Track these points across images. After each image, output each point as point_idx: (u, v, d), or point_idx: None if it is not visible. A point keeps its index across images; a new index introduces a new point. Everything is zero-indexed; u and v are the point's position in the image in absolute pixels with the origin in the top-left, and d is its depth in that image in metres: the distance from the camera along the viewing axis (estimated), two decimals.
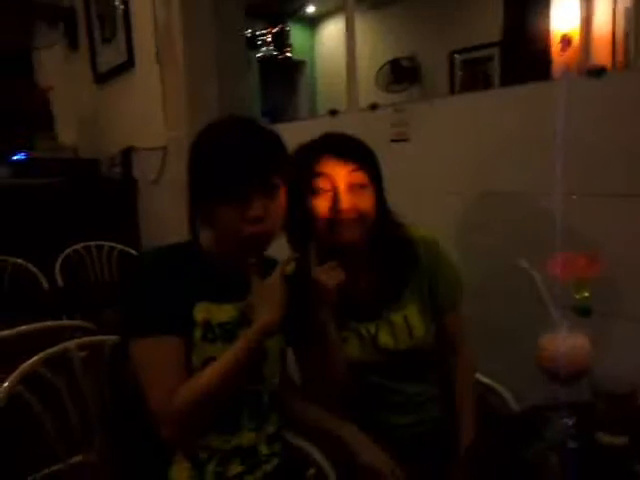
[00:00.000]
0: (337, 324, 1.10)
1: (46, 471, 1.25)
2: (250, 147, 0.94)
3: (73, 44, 3.69)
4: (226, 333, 0.98)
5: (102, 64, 3.40)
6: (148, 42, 2.73)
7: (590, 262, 0.88)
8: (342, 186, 1.07)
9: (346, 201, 1.06)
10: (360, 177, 1.08)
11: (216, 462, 0.98)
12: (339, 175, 1.07)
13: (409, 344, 1.14)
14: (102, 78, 3.43)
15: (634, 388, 0.89)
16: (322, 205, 1.07)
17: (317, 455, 1.10)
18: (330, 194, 1.07)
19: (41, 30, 3.78)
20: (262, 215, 0.93)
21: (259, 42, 3.90)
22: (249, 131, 0.97)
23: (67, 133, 3.67)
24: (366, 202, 1.09)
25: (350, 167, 1.07)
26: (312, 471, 1.13)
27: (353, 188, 1.08)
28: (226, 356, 0.92)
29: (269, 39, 3.96)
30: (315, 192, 1.07)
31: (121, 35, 3.07)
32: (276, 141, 0.99)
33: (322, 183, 1.07)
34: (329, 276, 1.05)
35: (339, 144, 1.11)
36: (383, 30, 2.76)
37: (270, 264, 1.01)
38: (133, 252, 2.71)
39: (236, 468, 1.00)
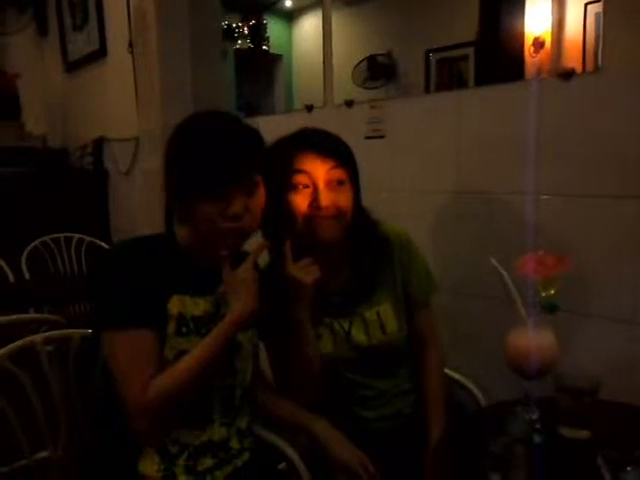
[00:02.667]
0: (312, 320, 1.11)
1: (11, 467, 1.22)
2: (234, 145, 0.93)
3: (42, 30, 3.59)
4: (200, 327, 0.97)
5: (73, 52, 3.31)
6: (121, 31, 2.67)
7: (557, 261, 0.90)
8: (321, 183, 1.06)
9: (325, 198, 1.05)
10: (339, 174, 1.08)
11: (186, 456, 0.97)
12: (318, 172, 1.06)
13: (382, 340, 1.15)
14: (73, 66, 3.34)
15: (596, 383, 0.91)
16: (301, 202, 1.06)
17: (288, 450, 1.10)
18: (309, 191, 1.06)
19: (9, 15, 3.65)
20: (242, 212, 0.93)
21: (236, 34, 3.86)
22: (232, 128, 0.96)
23: (35, 122, 3.57)
24: (345, 199, 1.08)
25: (330, 164, 1.07)
26: (283, 466, 1.14)
27: (332, 185, 1.07)
28: (200, 348, 0.92)
29: (246, 32, 3.92)
30: (294, 188, 1.07)
31: (93, 23, 3.00)
32: (258, 139, 0.98)
33: (301, 179, 1.06)
34: (305, 272, 1.05)
35: (318, 140, 1.10)
36: (360, 26, 2.76)
37: (243, 257, 1.01)
38: (103, 244, 2.66)
39: (206, 462, 0.99)
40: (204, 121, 0.98)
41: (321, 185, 1.06)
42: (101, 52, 2.98)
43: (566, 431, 0.92)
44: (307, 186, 1.06)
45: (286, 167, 1.06)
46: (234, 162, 0.92)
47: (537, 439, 0.90)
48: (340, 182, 1.08)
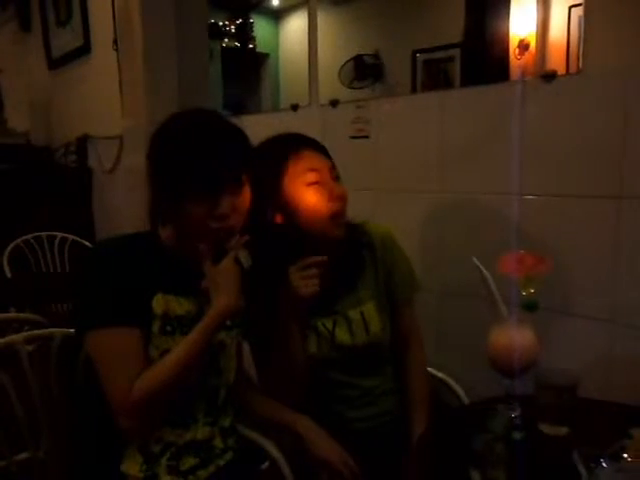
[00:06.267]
0: (298, 321, 1.11)
1: None
2: (223, 147, 0.94)
3: (25, 26, 3.54)
4: (184, 326, 0.97)
5: (56, 48, 3.27)
6: (105, 27, 2.64)
7: (537, 261, 0.91)
8: (329, 178, 1.09)
9: (339, 189, 1.09)
10: (336, 172, 1.12)
11: (169, 456, 0.97)
12: (325, 168, 1.09)
13: (365, 339, 1.15)
14: (56, 63, 3.30)
15: (575, 381, 0.93)
16: (318, 196, 1.07)
17: (271, 449, 1.10)
18: (321, 187, 1.07)
19: None
20: (229, 212, 0.93)
21: (223, 33, 3.84)
22: (219, 129, 0.96)
23: (18, 119, 3.52)
24: (345, 195, 1.11)
25: (329, 162, 1.11)
26: (266, 465, 1.14)
27: (335, 180, 1.11)
28: (183, 344, 0.92)
29: (233, 30, 3.90)
30: (308, 185, 1.07)
31: (77, 18, 2.97)
32: (244, 138, 0.98)
33: (313, 177, 1.07)
34: (305, 284, 1.04)
35: (313, 142, 1.13)
36: (347, 26, 2.77)
37: (223, 252, 1.00)
38: (86, 243, 2.63)
39: (190, 462, 0.99)
40: (189, 121, 0.98)
41: (330, 179, 1.09)
42: (85, 49, 2.95)
43: (546, 428, 0.94)
44: (318, 182, 1.08)
45: (297, 166, 1.07)
46: (223, 163, 0.92)
47: (517, 436, 0.91)
48: (338, 179, 1.12)
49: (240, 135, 0.98)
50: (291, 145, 1.10)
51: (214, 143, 0.93)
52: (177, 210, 0.94)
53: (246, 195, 0.98)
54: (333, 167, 1.12)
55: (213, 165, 0.92)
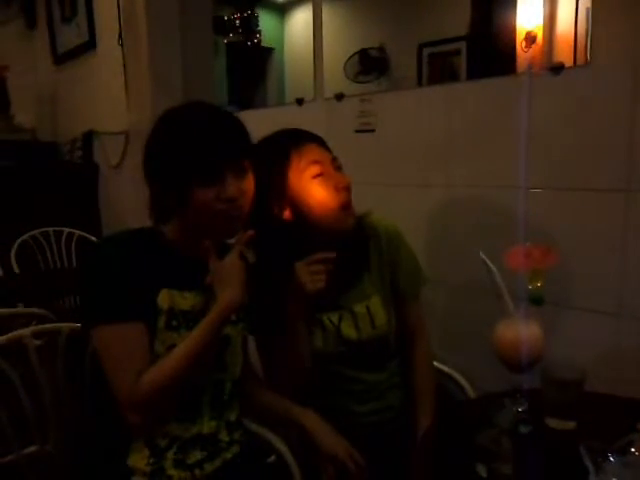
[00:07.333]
0: (304, 316, 1.11)
1: None
2: (222, 128, 0.95)
3: (31, 22, 3.55)
4: (189, 321, 0.97)
5: (62, 44, 3.28)
6: (111, 23, 2.65)
7: (544, 254, 0.91)
8: (331, 169, 1.09)
9: (343, 178, 1.09)
10: (338, 162, 1.12)
11: (176, 449, 0.98)
12: (327, 160, 1.10)
13: (371, 334, 1.15)
14: (62, 59, 3.31)
15: (581, 375, 0.92)
16: (324, 187, 1.07)
17: (278, 443, 1.10)
18: (326, 178, 1.08)
19: None
20: (237, 195, 0.94)
21: (227, 27, 3.84)
22: (217, 114, 0.98)
23: (24, 115, 3.54)
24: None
25: (330, 154, 1.11)
26: (273, 459, 1.14)
27: (338, 170, 1.11)
28: (189, 340, 0.92)
29: (238, 24, 3.89)
30: (313, 178, 1.07)
31: (82, 14, 2.97)
32: (242, 125, 0.99)
33: (316, 169, 1.07)
34: (311, 279, 1.04)
35: (312, 135, 1.13)
36: (352, 20, 2.76)
37: (227, 248, 1.01)
38: (93, 238, 2.65)
39: (196, 455, 1.00)
40: (185, 111, 0.99)
41: (333, 171, 1.09)
42: (90, 44, 2.96)
43: (552, 422, 0.93)
44: (322, 174, 1.08)
45: (300, 161, 1.07)
46: (226, 144, 0.94)
47: (524, 430, 0.91)
48: (340, 169, 1.12)
49: (236, 120, 0.99)
50: (291, 140, 1.10)
51: (215, 126, 0.95)
52: (184, 200, 0.93)
53: (250, 180, 0.98)
54: (334, 159, 1.12)
55: (217, 147, 0.93)
